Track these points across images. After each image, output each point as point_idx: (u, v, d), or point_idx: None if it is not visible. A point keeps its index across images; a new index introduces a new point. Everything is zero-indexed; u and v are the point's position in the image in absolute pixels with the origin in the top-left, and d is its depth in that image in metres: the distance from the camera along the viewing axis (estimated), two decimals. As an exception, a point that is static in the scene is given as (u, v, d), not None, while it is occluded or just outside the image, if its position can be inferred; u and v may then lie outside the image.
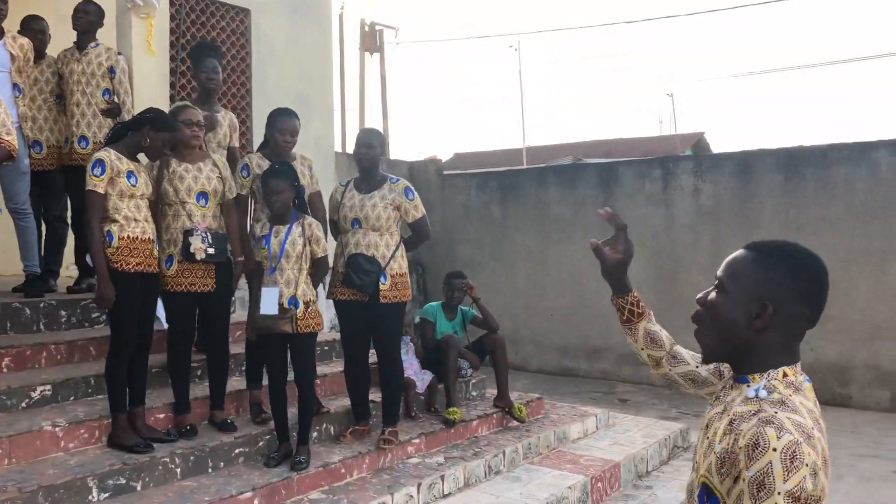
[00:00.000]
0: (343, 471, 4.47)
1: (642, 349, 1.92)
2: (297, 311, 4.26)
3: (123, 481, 3.77)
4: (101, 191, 3.93)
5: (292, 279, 4.28)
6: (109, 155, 4.00)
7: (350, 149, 4.92)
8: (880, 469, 5.87)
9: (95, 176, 3.93)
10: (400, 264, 4.71)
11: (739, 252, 1.57)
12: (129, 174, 4.03)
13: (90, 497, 3.63)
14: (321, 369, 5.36)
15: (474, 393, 6.13)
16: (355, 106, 12.24)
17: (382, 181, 4.74)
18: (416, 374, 5.56)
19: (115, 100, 5.42)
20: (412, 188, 4.79)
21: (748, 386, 1.48)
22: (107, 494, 3.69)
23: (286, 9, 8.90)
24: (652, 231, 9.16)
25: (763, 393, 1.44)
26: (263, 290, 4.25)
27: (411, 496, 4.40)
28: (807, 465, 1.32)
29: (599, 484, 5.04)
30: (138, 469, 3.85)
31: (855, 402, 7.91)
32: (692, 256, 8.86)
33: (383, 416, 4.87)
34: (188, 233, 4.21)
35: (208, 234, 4.25)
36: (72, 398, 4.31)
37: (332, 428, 4.89)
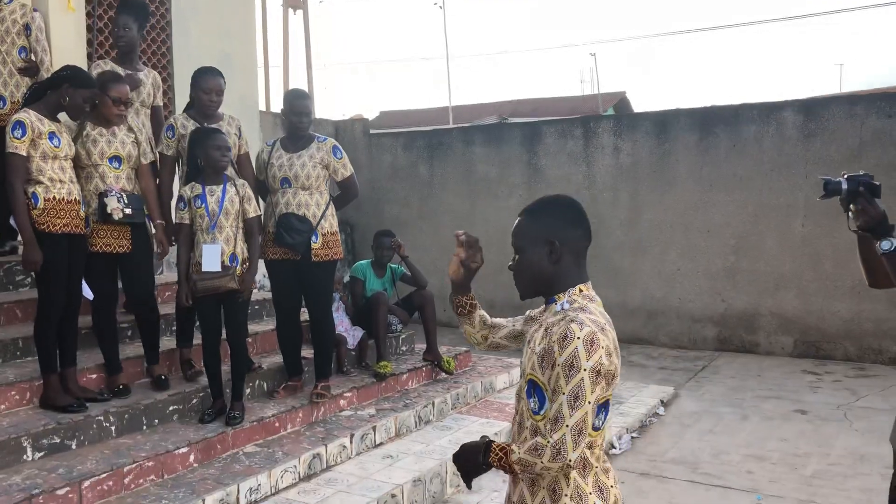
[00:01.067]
0: (277, 425, 4.60)
1: (478, 332, 2.27)
2: (237, 267, 4.32)
3: (58, 440, 3.82)
4: (22, 153, 3.88)
5: (231, 237, 4.32)
6: (29, 116, 3.94)
7: (274, 107, 4.94)
8: (782, 409, 6.35)
9: (16, 138, 3.88)
10: (331, 223, 4.81)
11: (517, 219, 2.03)
12: (52, 135, 3.98)
13: (25, 457, 3.67)
14: (252, 328, 5.43)
15: (404, 348, 6.32)
16: (279, 64, 12.07)
17: (310, 140, 4.80)
18: (347, 330, 5.70)
19: (33, 58, 5.28)
20: (340, 147, 4.87)
21: (556, 303, 1.93)
22: (41, 453, 3.73)
23: (204, -36, 8.68)
24: (574, 189, 9.43)
25: (566, 305, 1.90)
26: (205, 246, 4.27)
27: (344, 447, 4.57)
28: (602, 348, 1.78)
29: (524, 430, 5.31)
30: (72, 428, 3.89)
31: (762, 348, 8.43)
32: (612, 213, 9.19)
33: (315, 371, 5.01)
34: (103, 194, 4.18)
35: (123, 194, 4.24)
36: (0, 361, 4.29)
37: (265, 384, 5.00)
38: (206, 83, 4.64)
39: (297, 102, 4.79)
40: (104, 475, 3.62)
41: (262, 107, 9.76)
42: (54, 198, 3.94)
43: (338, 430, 4.71)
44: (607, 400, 1.86)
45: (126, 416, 4.15)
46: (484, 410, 5.59)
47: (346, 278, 6.20)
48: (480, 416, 5.45)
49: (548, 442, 1.77)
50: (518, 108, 17.61)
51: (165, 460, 3.91)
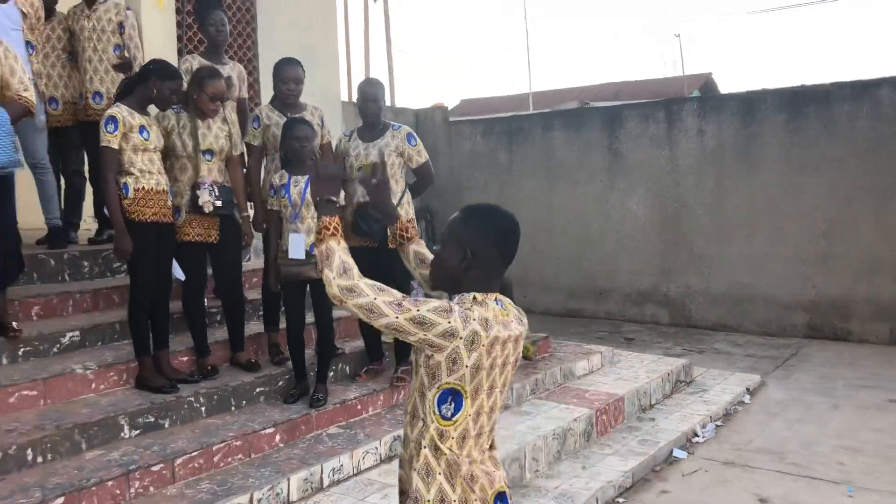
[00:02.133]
0: (359, 407, 4.71)
1: (416, 269, 2.33)
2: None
3: (152, 419, 4.01)
4: (114, 146, 4.08)
5: (313, 227, 4.44)
6: (121, 111, 4.14)
7: (356, 97, 5.02)
8: (876, 398, 6.08)
9: (109, 132, 4.07)
10: (407, 210, 4.88)
11: (454, 214, 2.08)
12: (141, 129, 4.17)
13: (122, 434, 3.87)
14: (336, 313, 5.54)
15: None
16: (361, 54, 12.22)
17: (385, 129, 4.87)
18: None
19: (126, 55, 5.53)
20: (414, 134, 4.92)
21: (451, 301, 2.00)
22: (137, 431, 3.93)
23: (289, -42, 8.88)
24: (656, 173, 9.26)
25: (455, 303, 1.96)
26: (291, 235, 4.41)
27: (424, 430, 4.63)
28: (475, 321, 1.89)
29: (604, 416, 5.27)
30: (165, 408, 4.09)
31: (855, 336, 8.09)
32: (696, 198, 8.97)
33: (395, 356, 5.09)
34: (196, 186, 4.36)
35: (215, 187, 4.40)
36: (99, 343, 4.54)
37: (347, 368, 5.12)
38: (285, 73, 4.78)
39: (366, 89, 4.87)
40: (195, 453, 3.79)
41: (345, 97, 9.92)
42: (143, 188, 4.13)
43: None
44: (460, 393, 1.94)
45: (215, 397, 4.33)
46: (563, 396, 5.57)
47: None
48: (559, 401, 5.43)
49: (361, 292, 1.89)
50: (600, 93, 17.32)
51: (252, 440, 4.06)
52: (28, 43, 5.05)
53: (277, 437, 4.20)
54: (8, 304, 4.34)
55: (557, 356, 6.36)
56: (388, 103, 10.88)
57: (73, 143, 5.70)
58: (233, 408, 4.40)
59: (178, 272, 4.45)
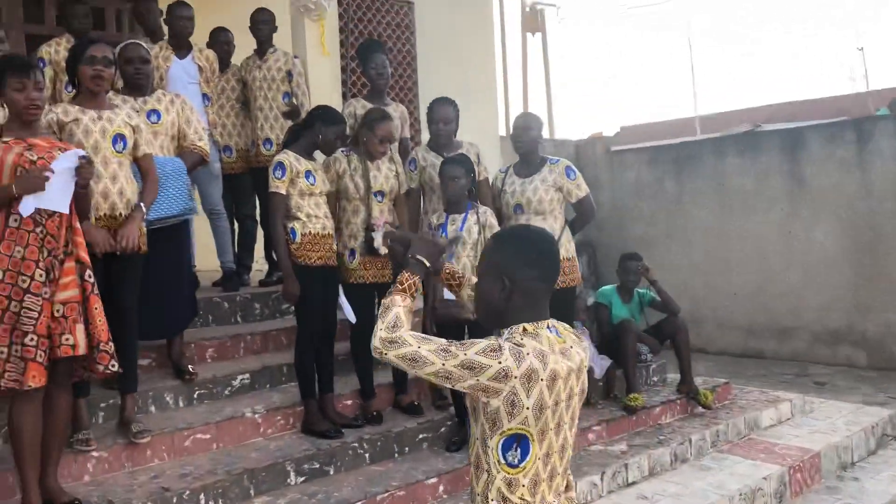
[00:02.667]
0: (524, 457, 4.46)
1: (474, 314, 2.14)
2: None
3: (317, 465, 3.97)
4: (282, 192, 4.14)
5: (469, 266, 4.31)
6: (288, 157, 4.20)
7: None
8: None
9: (277, 178, 4.15)
10: (566, 248, 4.62)
11: (487, 241, 2.03)
12: (308, 173, 4.21)
13: (288, 480, 3.86)
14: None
15: (655, 378, 5.93)
16: (520, 88, 12.17)
17: (542, 163, 4.67)
18: (593, 359, 5.44)
19: (294, 102, 5.69)
20: (573, 167, 4.68)
21: (500, 337, 1.87)
22: (303, 478, 3.91)
23: (447, -2, 8.98)
24: (846, 200, 8.42)
25: (505, 338, 1.85)
26: None
27: (595, 484, 4.32)
28: (527, 361, 1.76)
29: (798, 475, 4.72)
30: (330, 454, 4.04)
31: None
32: (894, 226, 8.06)
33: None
34: (370, 228, 4.34)
35: (388, 227, 4.37)
36: (268, 385, 4.60)
37: (511, 414, 4.90)
38: (435, 113, 4.72)
39: (519, 121, 4.71)
40: (359, 503, 3.69)
41: (503, 132, 9.84)
42: (310, 232, 4.16)
43: (587, 465, 4.48)
44: (526, 438, 1.80)
45: (379, 443, 4.24)
46: (748, 450, 5.05)
47: (589, 302, 5.95)
48: (745, 456, 4.93)
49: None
50: (774, 115, 16.25)
51: (416, 490, 3.92)
52: (204, 95, 5.30)
53: (441, 488, 4.04)
54: (185, 346, 4.50)
55: (739, 404, 5.81)
56: (546, 136, 10.67)
57: (246, 189, 5.91)
58: (396, 454, 4.30)
59: (349, 314, 4.42)
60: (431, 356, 1.77)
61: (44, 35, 5.84)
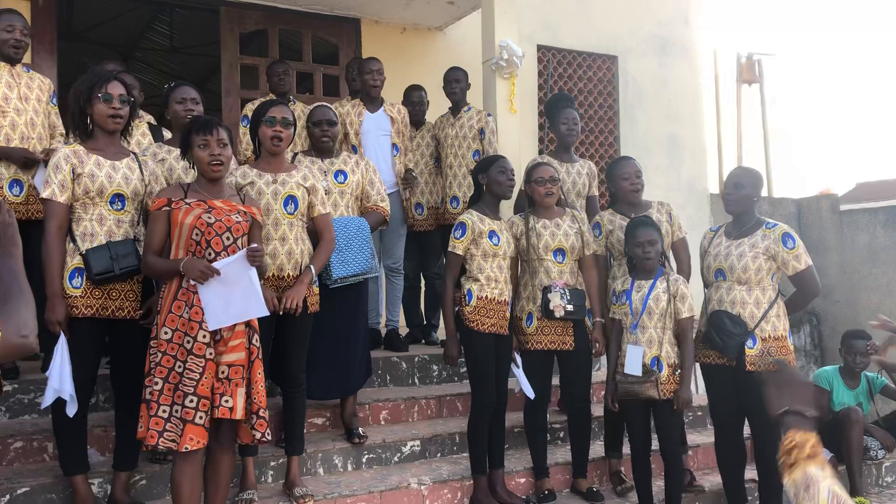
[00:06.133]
0: (718, 563, 3.90)
1: None
2: (662, 374, 3.86)
3: (482, 549, 3.69)
4: (459, 252, 4.00)
5: (655, 338, 3.90)
6: (472, 216, 4.06)
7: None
8: None
9: (456, 238, 4.01)
10: (774, 325, 3.98)
11: None
12: (492, 234, 4.04)
13: (450, 561, 3.61)
14: (693, 438, 4.84)
15: (889, 479, 5.04)
16: (734, 142, 11.37)
17: (756, 226, 4.09)
18: (810, 451, 4.71)
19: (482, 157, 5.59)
20: (793, 235, 4.03)
21: None
22: (465, 561, 3.64)
23: (654, 50, 8.62)
24: None
25: None
26: (629, 347, 3.95)
27: None
28: None
29: None
30: (497, 537, 3.75)
31: None
32: None
33: (760, 501, 4.16)
34: (547, 289, 4.08)
35: (566, 290, 4.08)
36: (438, 455, 4.41)
37: (705, 508, 4.34)
38: (620, 169, 4.36)
39: (729, 175, 4.19)
40: None
41: (714, 189, 9.17)
42: (487, 297, 3.97)
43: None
44: None
45: (551, 528, 3.89)
46: None
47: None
48: None
49: None
50: None
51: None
52: (394, 145, 5.35)
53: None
54: (359, 408, 4.45)
55: None
56: (764, 193, 9.80)
57: (435, 247, 5.87)
58: (570, 543, 3.92)
59: (526, 388, 4.15)
60: None
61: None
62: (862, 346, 4.81)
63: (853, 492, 4.49)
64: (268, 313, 3.17)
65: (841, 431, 4.63)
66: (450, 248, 4.05)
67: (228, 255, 3.10)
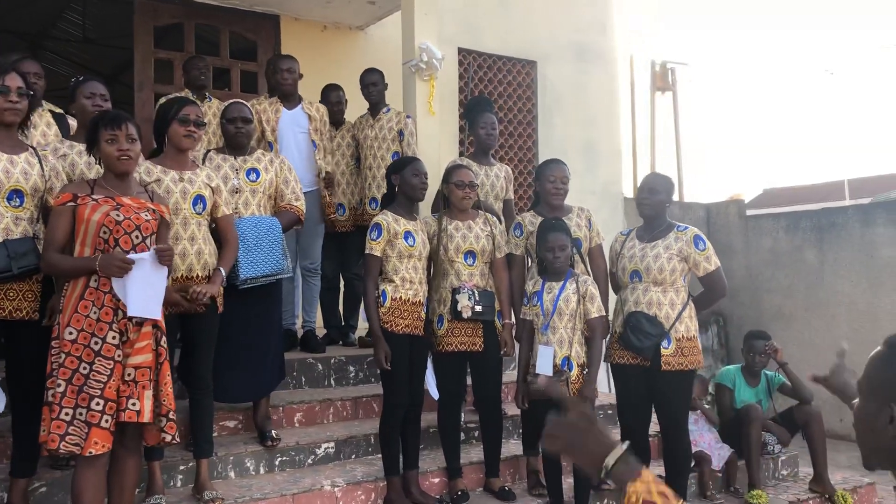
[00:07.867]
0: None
1: None
2: (572, 373, 3.95)
3: (395, 549, 3.71)
4: (377, 253, 4.01)
5: (565, 338, 3.99)
6: (387, 217, 4.07)
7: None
8: None
9: (372, 239, 4.02)
10: (687, 326, 4.15)
11: (876, 350, 1.42)
12: (407, 234, 4.06)
13: (362, 563, 3.61)
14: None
15: (784, 472, 5.29)
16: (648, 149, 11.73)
17: (668, 229, 4.23)
18: (711, 447, 4.91)
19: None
20: (703, 237, 4.20)
21: None
22: (378, 562, 3.65)
23: (572, 56, 8.80)
24: None
25: None
26: (540, 348, 4.02)
27: None
28: None
29: None
30: (410, 537, 3.77)
31: None
32: None
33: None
34: (455, 290, 4.13)
35: (475, 291, 4.14)
36: (353, 456, 4.40)
37: (613, 504, 4.46)
38: (551, 171, 4.43)
39: (643, 180, 4.34)
40: None
41: (629, 193, 9.44)
42: (401, 298, 3.98)
43: (697, 572, 3.97)
44: None
45: (463, 528, 3.93)
46: (895, 568, 4.36)
47: (711, 388, 5.43)
48: (890, 575, 4.24)
49: None
50: (934, 179, 14.93)
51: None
52: (313, 141, 5.30)
53: (527, 586, 3.67)
54: (273, 410, 4.40)
55: (886, 509, 5.08)
56: (675, 198, 10.19)
57: (355, 247, 5.83)
58: (481, 542, 3.97)
59: (432, 390, 4.19)
60: None
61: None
62: (761, 346, 5.03)
63: (752, 484, 4.70)
64: (159, 317, 3.07)
65: (742, 427, 4.83)
66: (367, 251, 4.05)
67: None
